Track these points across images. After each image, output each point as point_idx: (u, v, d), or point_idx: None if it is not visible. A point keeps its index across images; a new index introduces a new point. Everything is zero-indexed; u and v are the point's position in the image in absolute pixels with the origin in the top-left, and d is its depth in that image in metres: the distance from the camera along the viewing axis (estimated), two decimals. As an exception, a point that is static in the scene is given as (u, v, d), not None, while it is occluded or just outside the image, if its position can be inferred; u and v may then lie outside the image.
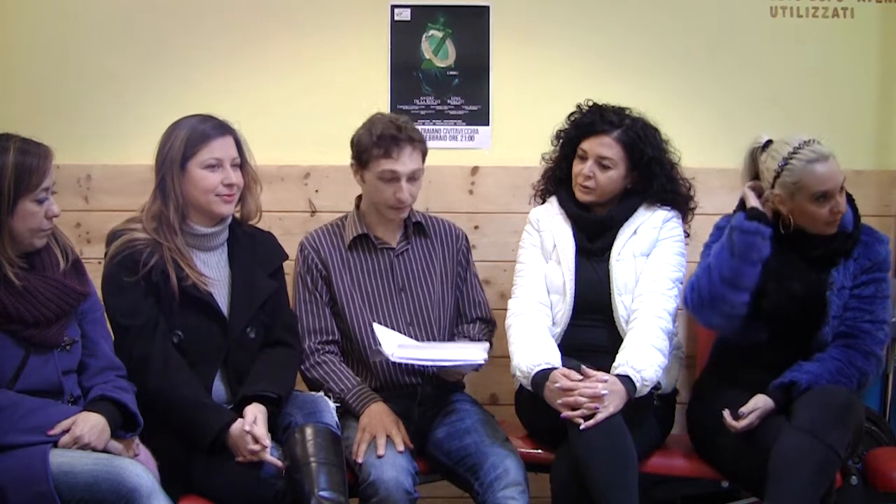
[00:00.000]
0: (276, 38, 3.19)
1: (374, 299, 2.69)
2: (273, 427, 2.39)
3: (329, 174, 3.17)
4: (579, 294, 2.66)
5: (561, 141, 2.79)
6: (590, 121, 2.71)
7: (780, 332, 2.57)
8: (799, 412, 2.37)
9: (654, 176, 2.70)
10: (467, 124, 3.24)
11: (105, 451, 2.15)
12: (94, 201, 3.16)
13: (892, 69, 3.23)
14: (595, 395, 2.39)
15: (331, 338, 2.67)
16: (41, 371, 2.18)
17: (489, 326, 2.81)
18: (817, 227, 2.53)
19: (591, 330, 2.66)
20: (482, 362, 2.52)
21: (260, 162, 2.59)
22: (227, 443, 2.32)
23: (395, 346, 2.51)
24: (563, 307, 2.67)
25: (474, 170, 3.22)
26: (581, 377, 2.44)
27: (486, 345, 2.64)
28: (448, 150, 3.20)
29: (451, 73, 3.23)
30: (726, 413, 2.44)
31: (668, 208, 2.73)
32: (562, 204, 2.77)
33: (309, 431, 2.36)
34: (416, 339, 2.64)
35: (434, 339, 2.69)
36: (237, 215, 2.57)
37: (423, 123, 3.17)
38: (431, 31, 3.22)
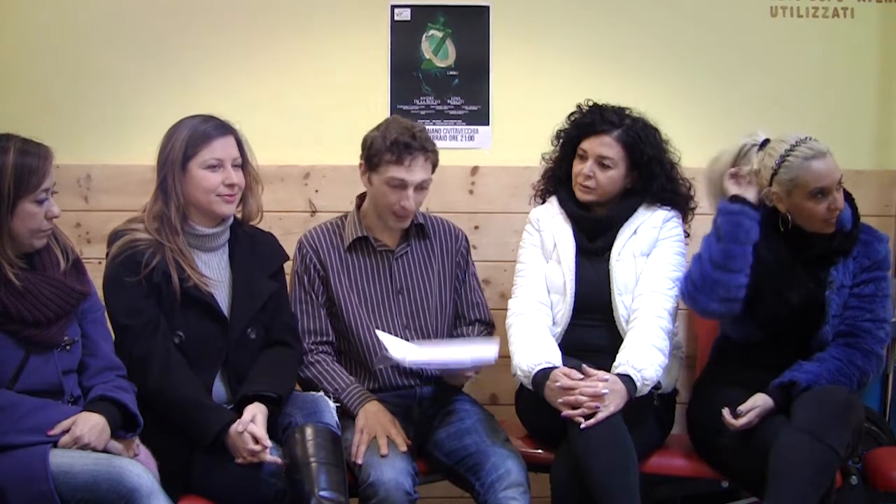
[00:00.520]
0: (275, 37, 3.19)
1: (372, 301, 2.68)
2: (273, 427, 2.39)
3: (329, 174, 3.17)
4: (579, 294, 2.66)
5: (561, 141, 2.79)
6: (590, 120, 2.71)
7: (779, 333, 2.57)
8: (798, 412, 2.37)
9: (654, 176, 2.70)
10: (467, 124, 3.24)
11: (105, 451, 2.15)
12: (93, 201, 3.16)
13: (892, 69, 3.23)
14: (596, 394, 2.39)
15: (325, 338, 2.67)
16: (41, 371, 2.18)
17: (488, 329, 2.80)
18: (815, 225, 2.53)
19: (592, 330, 2.66)
20: (494, 357, 2.50)
21: (260, 162, 2.58)
22: (227, 443, 2.32)
23: (405, 350, 2.48)
24: (564, 307, 2.67)
25: (474, 170, 3.22)
26: (582, 376, 2.44)
27: (496, 340, 2.63)
28: (448, 150, 3.18)
29: (451, 73, 3.23)
30: (725, 412, 2.44)
31: (668, 208, 2.73)
32: (562, 204, 2.76)
33: (309, 431, 2.36)
34: (413, 341, 2.63)
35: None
36: (238, 216, 2.57)
37: (424, 123, 3.15)
38: (431, 31, 3.22)
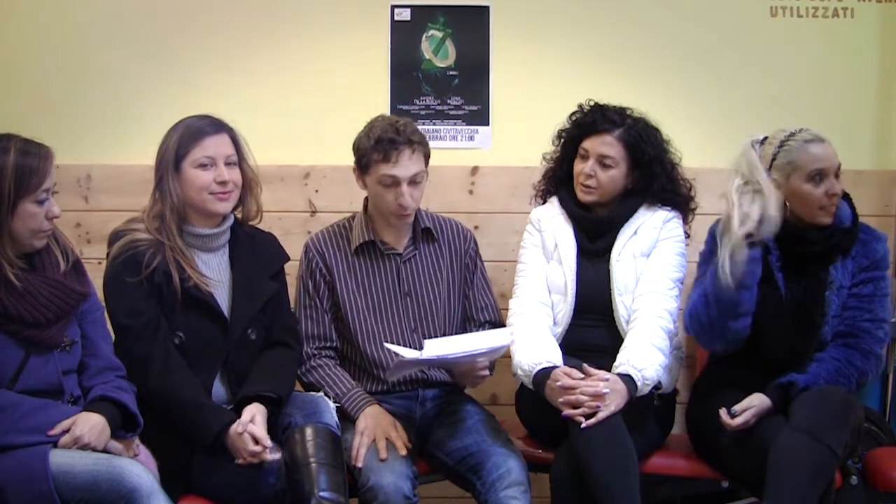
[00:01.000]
0: (276, 37, 3.19)
1: (379, 304, 2.67)
2: (273, 427, 2.39)
3: (329, 174, 3.17)
4: (580, 294, 2.66)
5: (562, 140, 2.79)
6: (591, 120, 2.71)
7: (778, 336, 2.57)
8: (797, 412, 2.37)
9: (654, 176, 2.70)
10: (467, 124, 3.24)
11: (105, 451, 2.15)
12: (93, 201, 3.16)
13: (892, 69, 3.23)
14: (596, 393, 2.39)
15: (328, 344, 2.66)
16: (41, 371, 2.18)
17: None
18: (812, 213, 2.52)
19: (592, 330, 2.66)
20: (510, 343, 2.50)
21: (259, 162, 2.58)
22: (226, 444, 2.32)
23: (419, 351, 2.43)
24: (565, 307, 2.67)
25: (474, 170, 3.22)
26: (582, 376, 2.44)
27: (510, 326, 2.61)
28: (448, 150, 3.20)
29: (451, 73, 3.23)
30: (722, 411, 2.44)
31: (669, 209, 2.72)
32: (562, 204, 2.76)
33: (309, 431, 2.36)
34: (420, 345, 2.57)
35: None
36: (238, 216, 2.57)
37: (423, 123, 3.17)
38: (431, 31, 3.22)
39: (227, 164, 2.45)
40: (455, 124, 3.24)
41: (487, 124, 3.24)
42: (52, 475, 2.01)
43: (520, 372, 2.55)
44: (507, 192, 3.20)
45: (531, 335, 2.60)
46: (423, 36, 3.22)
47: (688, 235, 2.78)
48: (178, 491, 2.25)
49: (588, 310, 2.67)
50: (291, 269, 2.72)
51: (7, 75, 3.17)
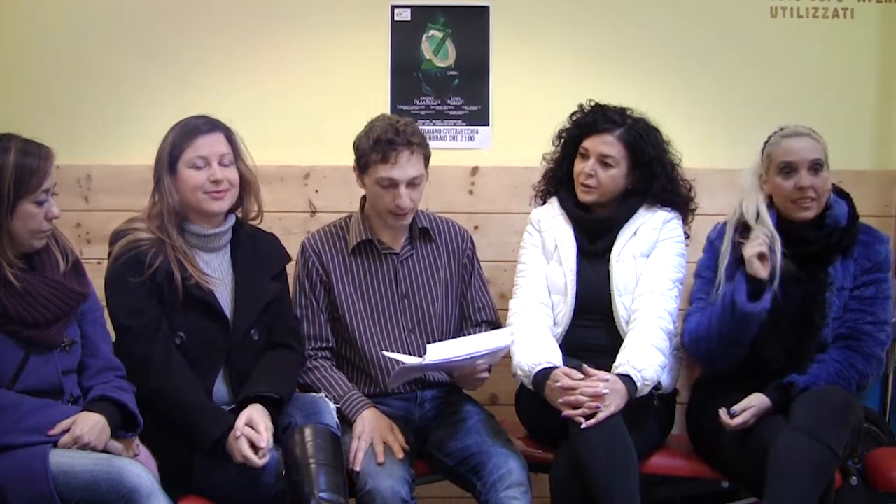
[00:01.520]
0: (276, 37, 3.19)
1: (376, 305, 2.66)
2: (273, 428, 2.38)
3: (329, 174, 3.17)
4: (580, 294, 2.66)
5: (562, 140, 2.79)
6: (592, 119, 2.71)
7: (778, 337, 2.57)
8: (797, 412, 2.37)
9: (654, 176, 2.70)
10: (467, 124, 3.24)
11: (105, 451, 2.15)
12: (93, 201, 3.16)
13: (892, 69, 3.23)
14: (596, 394, 2.38)
15: (325, 344, 2.66)
16: (41, 371, 2.18)
17: (495, 329, 2.78)
18: (787, 207, 2.54)
19: (592, 330, 2.66)
20: (512, 343, 2.50)
21: (259, 162, 2.58)
22: (226, 447, 2.31)
23: (418, 357, 2.43)
24: (565, 307, 2.67)
25: (474, 170, 3.22)
26: (582, 376, 2.44)
27: (511, 326, 2.61)
28: (448, 150, 3.20)
29: (451, 73, 3.23)
30: (722, 411, 2.44)
31: (669, 209, 2.72)
32: (562, 204, 2.76)
33: (308, 432, 2.35)
34: (418, 346, 2.61)
35: None
36: (238, 216, 2.57)
37: (423, 124, 3.17)
38: (431, 31, 3.22)
39: (222, 163, 2.45)
40: (455, 124, 3.24)
41: (487, 124, 3.24)
42: (52, 475, 2.01)
43: (519, 372, 2.55)
44: (507, 193, 3.20)
45: (531, 335, 2.60)
46: (424, 36, 3.22)
47: (688, 236, 2.78)
48: (178, 491, 2.25)
49: (588, 310, 2.67)
50: (292, 270, 2.72)
51: (7, 75, 3.17)
